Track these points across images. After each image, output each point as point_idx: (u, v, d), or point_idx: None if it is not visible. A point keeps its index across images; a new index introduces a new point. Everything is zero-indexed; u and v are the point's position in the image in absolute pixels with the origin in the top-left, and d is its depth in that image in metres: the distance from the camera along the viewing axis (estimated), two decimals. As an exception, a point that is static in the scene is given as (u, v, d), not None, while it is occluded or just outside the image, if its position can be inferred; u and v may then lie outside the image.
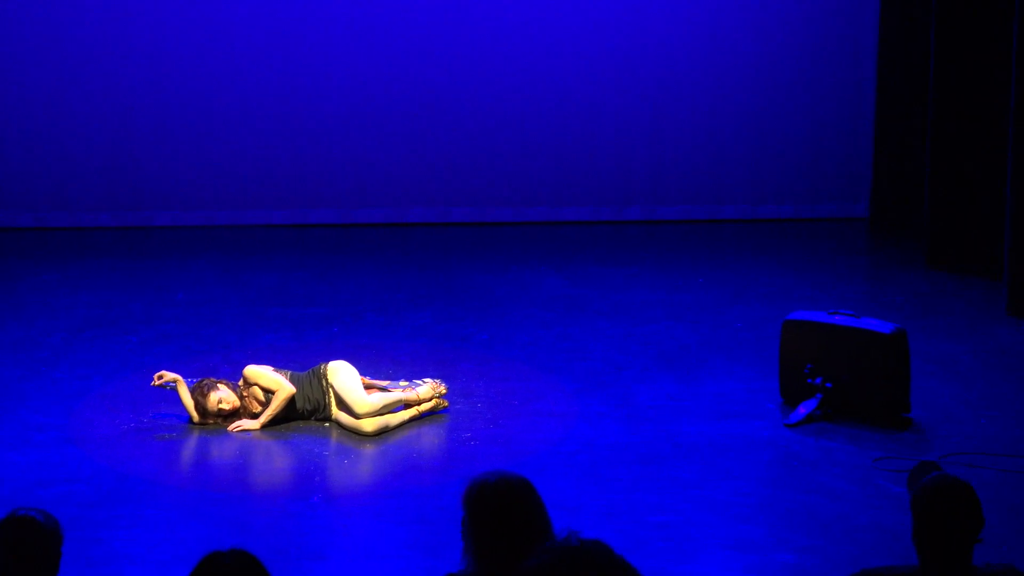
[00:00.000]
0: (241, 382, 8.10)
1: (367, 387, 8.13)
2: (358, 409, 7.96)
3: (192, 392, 8.07)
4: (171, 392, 8.17)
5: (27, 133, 12.57)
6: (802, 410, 8.05)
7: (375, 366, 8.80)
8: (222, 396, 8.03)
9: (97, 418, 8.17)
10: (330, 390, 8.07)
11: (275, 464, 7.82)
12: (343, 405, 8.02)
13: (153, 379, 8.12)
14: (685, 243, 12.18)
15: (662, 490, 7.18)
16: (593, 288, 10.77)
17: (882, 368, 7.93)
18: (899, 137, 12.51)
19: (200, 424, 8.06)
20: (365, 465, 7.76)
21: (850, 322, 8.06)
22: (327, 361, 8.21)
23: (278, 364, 8.36)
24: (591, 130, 12.80)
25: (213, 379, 8.15)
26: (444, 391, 8.30)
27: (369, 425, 7.96)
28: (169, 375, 8.09)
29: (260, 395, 8.05)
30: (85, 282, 10.95)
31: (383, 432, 7.99)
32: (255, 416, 8.05)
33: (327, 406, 8.07)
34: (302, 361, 8.69)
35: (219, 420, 8.07)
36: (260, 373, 8.07)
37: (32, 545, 4.00)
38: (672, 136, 12.83)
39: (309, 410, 8.10)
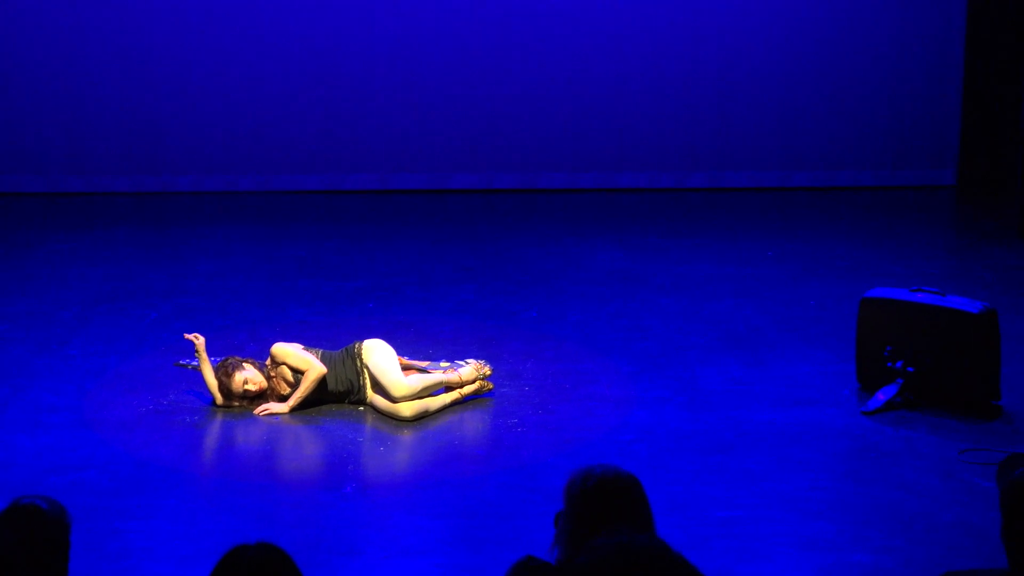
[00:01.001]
0: (268, 361, 8.13)
1: (405, 368, 8.15)
2: (395, 392, 7.97)
3: (216, 372, 8.10)
4: (193, 371, 8.22)
5: (38, 92, 12.64)
6: (881, 396, 8.02)
7: (414, 345, 8.82)
8: (248, 376, 8.06)
9: (113, 399, 8.23)
10: (365, 371, 8.09)
11: (305, 451, 7.85)
12: (378, 387, 8.04)
13: (188, 336, 8.13)
14: (754, 212, 12.14)
15: (727, 483, 7.17)
16: (653, 261, 10.75)
17: (969, 351, 7.88)
18: (990, 97, 12.41)
19: (224, 407, 8.10)
20: (402, 453, 7.78)
21: (935, 300, 8.01)
22: (362, 339, 8.23)
23: (309, 342, 8.39)
24: (651, 88, 12.75)
25: (239, 358, 8.18)
26: (489, 373, 8.31)
27: (407, 409, 7.98)
28: (202, 341, 8.09)
29: (289, 375, 8.08)
30: (100, 252, 11.02)
31: (422, 417, 8.01)
32: (283, 398, 8.09)
33: (361, 388, 8.10)
34: (335, 339, 8.72)
35: (245, 402, 8.11)
36: (289, 352, 8.10)
37: (37, 536, 4.02)
38: (741, 95, 12.77)
39: (342, 392, 8.13)
